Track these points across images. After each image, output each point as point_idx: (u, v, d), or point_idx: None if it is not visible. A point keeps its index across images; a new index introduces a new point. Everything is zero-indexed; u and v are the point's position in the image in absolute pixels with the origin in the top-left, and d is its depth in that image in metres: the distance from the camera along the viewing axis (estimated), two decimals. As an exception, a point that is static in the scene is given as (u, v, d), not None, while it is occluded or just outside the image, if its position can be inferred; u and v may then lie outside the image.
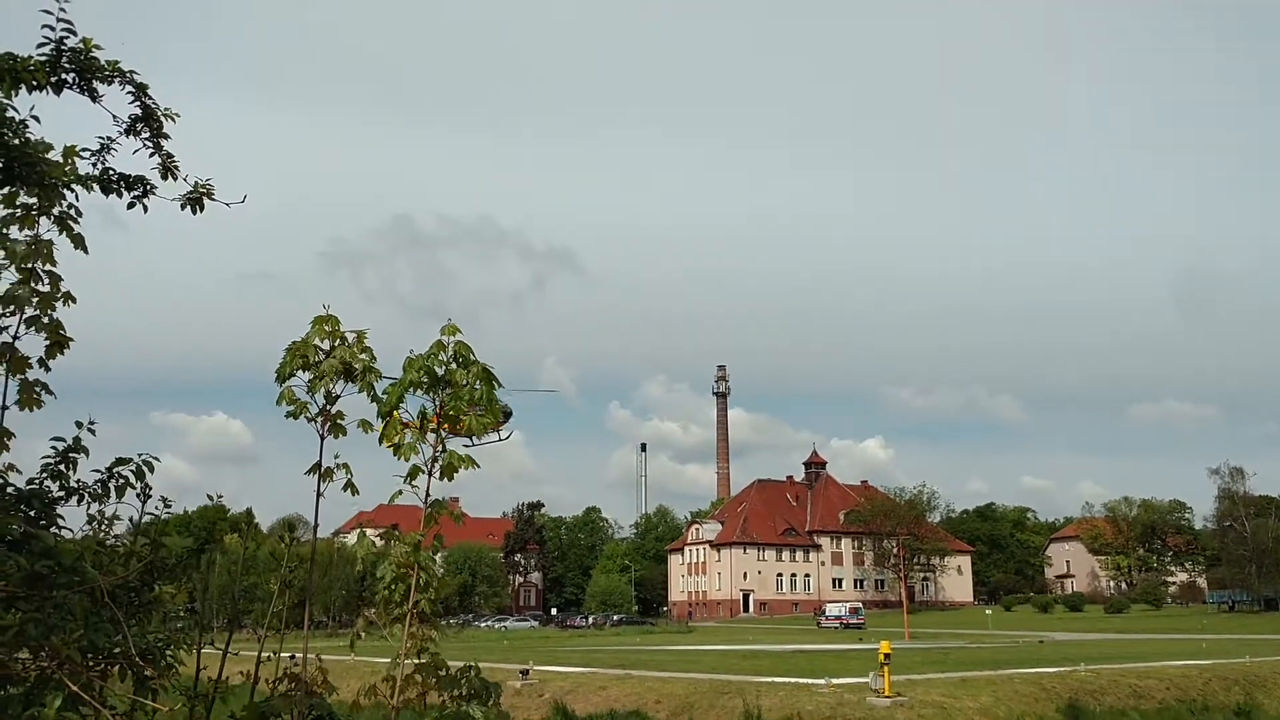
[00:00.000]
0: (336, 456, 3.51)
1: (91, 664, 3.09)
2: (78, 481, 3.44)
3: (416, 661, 3.17)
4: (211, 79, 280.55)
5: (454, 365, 3.34)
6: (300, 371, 3.42)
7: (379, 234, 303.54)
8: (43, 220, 3.07)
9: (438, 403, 3.35)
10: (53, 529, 3.30)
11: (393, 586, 3.22)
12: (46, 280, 3.10)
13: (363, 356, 3.42)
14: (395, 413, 3.32)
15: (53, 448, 3.41)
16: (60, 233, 3.08)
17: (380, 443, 3.32)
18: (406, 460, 3.30)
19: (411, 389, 3.31)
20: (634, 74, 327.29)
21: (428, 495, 3.34)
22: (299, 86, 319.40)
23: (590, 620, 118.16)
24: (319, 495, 3.48)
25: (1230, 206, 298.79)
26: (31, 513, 3.24)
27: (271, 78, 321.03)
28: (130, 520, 3.61)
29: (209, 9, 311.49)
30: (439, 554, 3.55)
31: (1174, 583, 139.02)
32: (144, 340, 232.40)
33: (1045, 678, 34.45)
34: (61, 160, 2.95)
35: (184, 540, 3.79)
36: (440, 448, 3.33)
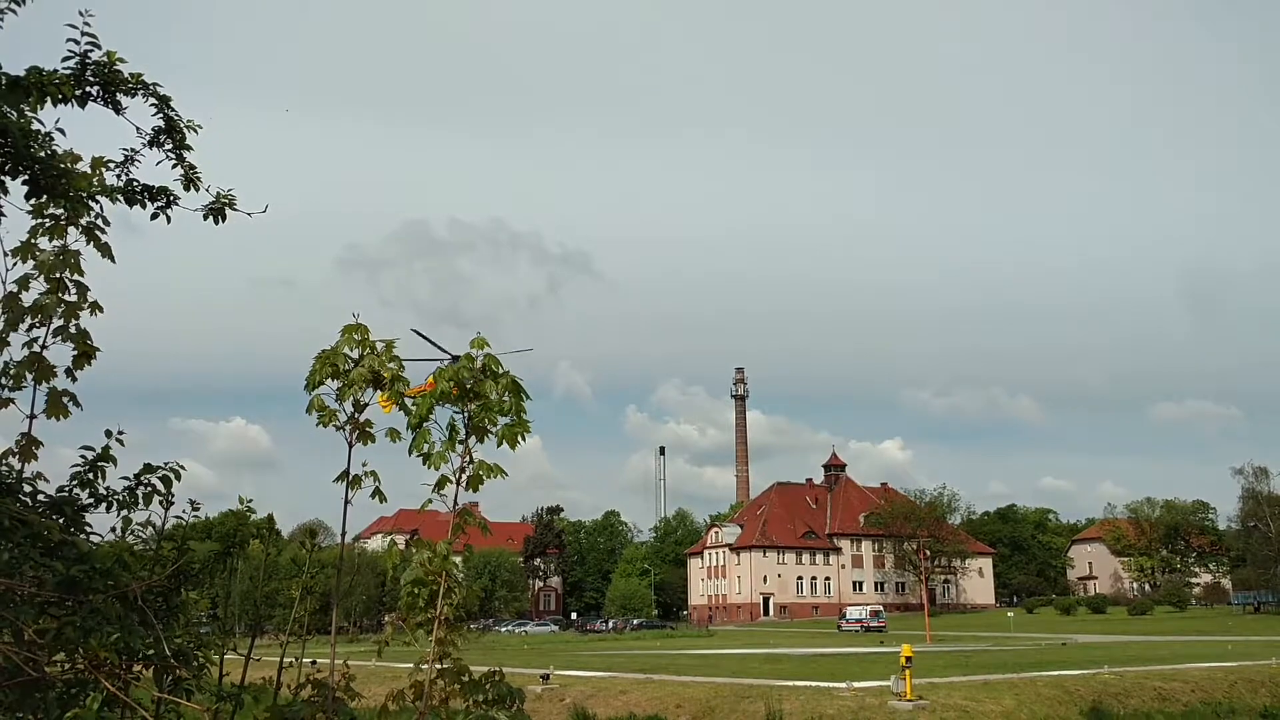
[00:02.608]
0: (364, 464, 3.55)
1: (126, 666, 3.14)
2: (106, 489, 3.48)
3: (440, 667, 3.20)
4: (223, 86, 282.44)
5: (483, 378, 3.38)
6: (329, 380, 3.46)
7: (394, 239, 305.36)
8: (70, 230, 3.11)
9: (467, 414, 3.38)
10: (81, 535, 3.35)
11: (416, 592, 3.25)
12: (74, 290, 3.13)
13: (391, 365, 3.45)
14: (424, 425, 3.36)
15: (82, 456, 3.46)
16: (88, 243, 3.12)
17: (410, 453, 3.36)
18: (436, 469, 3.33)
19: (441, 401, 3.35)
20: (643, 76, 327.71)
21: (455, 504, 3.39)
22: (308, 92, 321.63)
23: (610, 624, 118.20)
24: (347, 503, 3.51)
25: (1247, 205, 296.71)
26: (61, 520, 3.29)
27: (282, 84, 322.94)
28: (152, 526, 3.65)
29: (220, 15, 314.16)
30: (460, 560, 3.59)
31: (1198, 584, 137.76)
32: (162, 347, 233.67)
33: (1068, 680, 34.27)
34: (90, 171, 2.99)
35: (208, 546, 3.83)
36: (468, 458, 3.37)
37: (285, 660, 3.79)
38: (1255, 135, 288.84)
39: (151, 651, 3.16)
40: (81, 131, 3.79)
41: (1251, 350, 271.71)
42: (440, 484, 3.38)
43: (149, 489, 3.54)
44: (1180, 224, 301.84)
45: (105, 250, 3.14)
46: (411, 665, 3.31)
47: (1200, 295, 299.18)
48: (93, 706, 2.87)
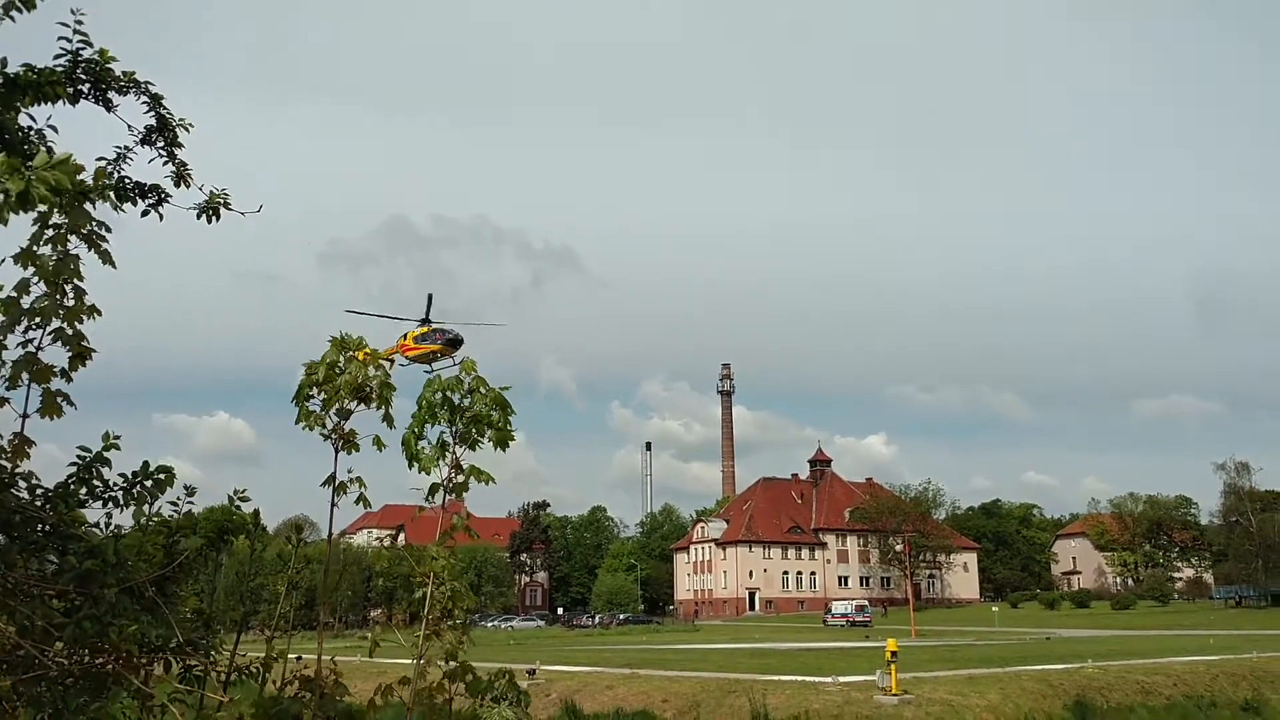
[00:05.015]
0: (350, 471, 3.62)
1: (144, 658, 3.19)
2: (103, 484, 3.51)
3: (444, 667, 3.29)
4: (207, 80, 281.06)
5: (470, 399, 3.55)
6: (316, 390, 3.52)
7: (376, 234, 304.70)
8: (71, 237, 3.13)
9: (456, 430, 3.54)
10: (84, 529, 3.40)
11: (435, 597, 3.37)
12: (71, 294, 3.16)
13: (377, 373, 3.52)
14: (419, 443, 3.50)
15: (80, 457, 3.50)
16: (89, 249, 3.14)
17: (410, 467, 3.51)
18: (427, 473, 3.45)
19: (431, 418, 3.48)
20: (632, 75, 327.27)
21: (443, 508, 3.50)
22: (291, 87, 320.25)
23: (596, 619, 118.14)
24: (334, 506, 3.57)
25: (1245, 204, 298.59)
26: (63, 513, 3.33)
27: (266, 79, 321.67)
28: (137, 521, 3.67)
29: (204, 9, 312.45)
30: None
31: (1180, 579, 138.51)
32: (144, 342, 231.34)
33: (1052, 675, 34.46)
34: (93, 182, 3.01)
35: (195, 540, 3.86)
36: (456, 468, 3.50)
37: (271, 655, 3.81)
38: (1264, 136, 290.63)
39: (160, 642, 3.21)
40: (72, 129, 3.80)
41: (1236, 347, 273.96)
42: (432, 491, 3.52)
43: (143, 489, 3.57)
44: (1174, 226, 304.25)
45: (106, 257, 3.16)
46: (401, 661, 3.37)
47: (1192, 295, 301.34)
48: (115, 700, 2.93)
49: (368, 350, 3.60)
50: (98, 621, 3.06)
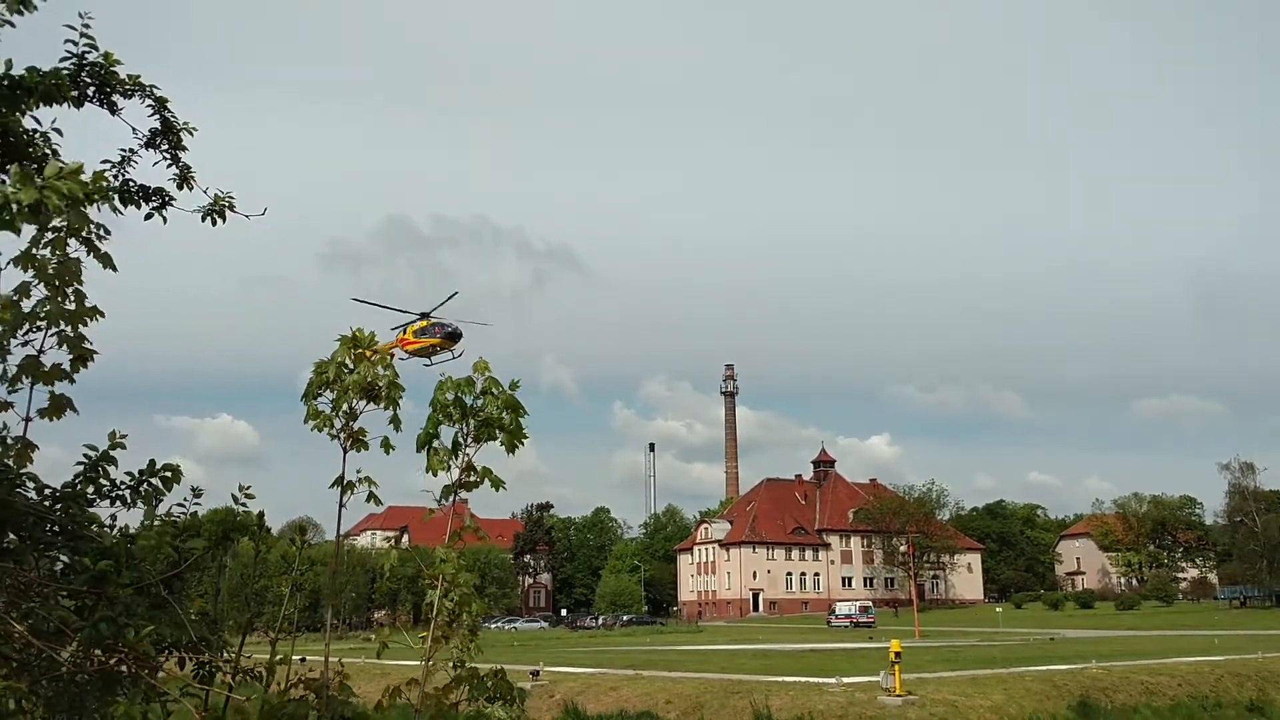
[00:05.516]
0: (359, 471, 3.64)
1: (157, 656, 3.21)
2: (110, 483, 3.52)
3: (452, 671, 3.31)
4: (205, 80, 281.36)
5: (482, 400, 3.57)
6: (325, 390, 3.53)
7: (376, 235, 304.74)
8: (71, 240, 3.14)
9: (468, 432, 3.56)
10: (93, 528, 3.42)
11: (443, 602, 3.39)
12: (72, 297, 3.16)
13: (386, 373, 3.52)
14: (434, 443, 3.52)
15: (86, 456, 3.51)
16: (88, 253, 3.15)
17: (426, 471, 3.53)
18: (436, 475, 3.46)
19: (445, 419, 3.49)
20: (631, 75, 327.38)
21: (451, 511, 3.51)
22: (290, 87, 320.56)
23: (600, 621, 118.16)
24: (342, 506, 3.58)
25: (1244, 204, 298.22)
26: (70, 512, 3.34)
27: (264, 79, 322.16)
28: (147, 522, 3.68)
29: (201, 9, 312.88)
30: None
31: (1185, 579, 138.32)
32: (145, 344, 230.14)
33: (1056, 675, 34.42)
34: (90, 183, 3.01)
35: (199, 542, 3.87)
36: (468, 471, 3.51)
37: (275, 657, 3.81)
38: (1264, 135, 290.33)
39: (172, 640, 3.24)
40: (77, 132, 3.80)
41: (1238, 346, 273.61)
42: (445, 493, 3.55)
43: (150, 487, 3.58)
44: (1174, 225, 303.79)
45: (106, 260, 3.17)
46: (405, 663, 3.38)
47: (1194, 293, 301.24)
48: (134, 701, 2.94)
49: (377, 348, 3.61)
50: (113, 622, 3.08)
